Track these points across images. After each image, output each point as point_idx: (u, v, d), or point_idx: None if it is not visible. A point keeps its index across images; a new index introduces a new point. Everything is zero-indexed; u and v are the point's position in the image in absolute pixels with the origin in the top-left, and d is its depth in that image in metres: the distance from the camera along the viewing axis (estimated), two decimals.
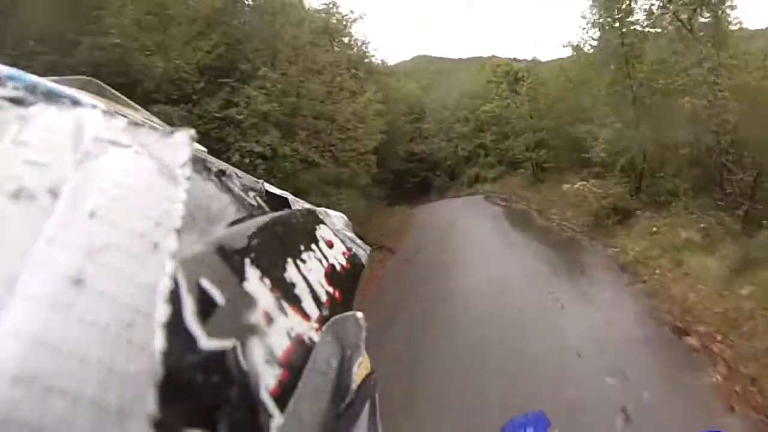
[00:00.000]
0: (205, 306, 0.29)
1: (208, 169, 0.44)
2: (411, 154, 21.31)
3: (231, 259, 0.35)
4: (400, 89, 22.40)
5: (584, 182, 11.43)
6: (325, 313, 0.47)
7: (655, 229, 7.79)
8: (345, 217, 0.82)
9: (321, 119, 9.92)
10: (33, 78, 0.30)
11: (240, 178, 0.51)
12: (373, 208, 12.40)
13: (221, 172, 0.46)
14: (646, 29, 10.19)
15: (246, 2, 10.30)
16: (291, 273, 0.45)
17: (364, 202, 11.43)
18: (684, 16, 9.09)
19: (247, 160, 7.45)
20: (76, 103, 0.30)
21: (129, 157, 0.27)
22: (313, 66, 9.96)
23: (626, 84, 10.25)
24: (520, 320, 5.23)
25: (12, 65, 0.30)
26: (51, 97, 0.29)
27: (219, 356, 0.29)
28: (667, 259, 6.51)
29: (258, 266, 0.38)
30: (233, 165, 0.52)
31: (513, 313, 5.44)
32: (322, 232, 0.63)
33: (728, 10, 9.49)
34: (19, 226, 0.22)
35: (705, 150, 8.64)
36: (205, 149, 0.50)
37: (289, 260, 0.47)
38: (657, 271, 6.36)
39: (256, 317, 0.35)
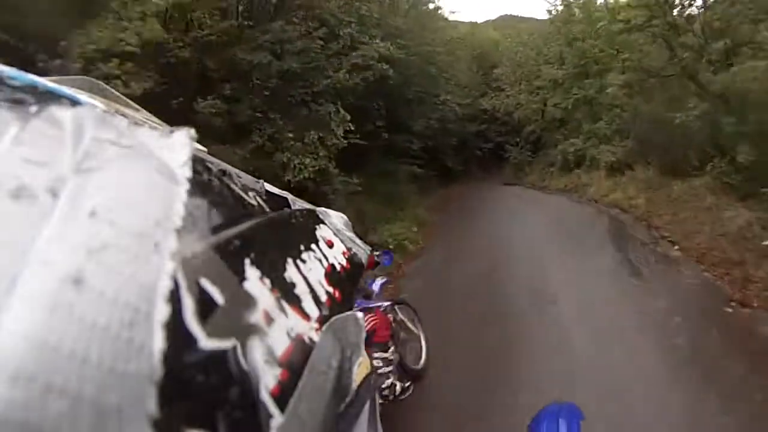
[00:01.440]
0: (205, 306, 0.29)
1: (209, 169, 0.44)
2: (482, 111, 14.71)
3: (231, 259, 0.35)
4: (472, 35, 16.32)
5: None
6: (325, 312, 0.47)
7: None
8: (345, 217, 0.82)
9: None
10: (33, 78, 0.30)
11: (240, 178, 0.51)
12: None
13: (221, 172, 0.46)
14: None
15: None
16: (291, 273, 0.45)
17: None
18: None
19: None
20: (76, 103, 0.30)
21: (129, 156, 0.27)
22: None
23: None
24: None
25: (12, 65, 0.30)
26: (51, 97, 0.29)
27: (219, 356, 0.29)
28: None
29: (258, 266, 0.38)
30: None
31: None
32: (322, 232, 0.63)
33: None
34: (19, 225, 0.22)
35: None
36: (205, 149, 0.50)
37: (290, 260, 0.47)
38: None
39: (256, 317, 0.35)
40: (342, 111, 5.54)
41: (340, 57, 5.90)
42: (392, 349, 1.96)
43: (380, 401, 1.67)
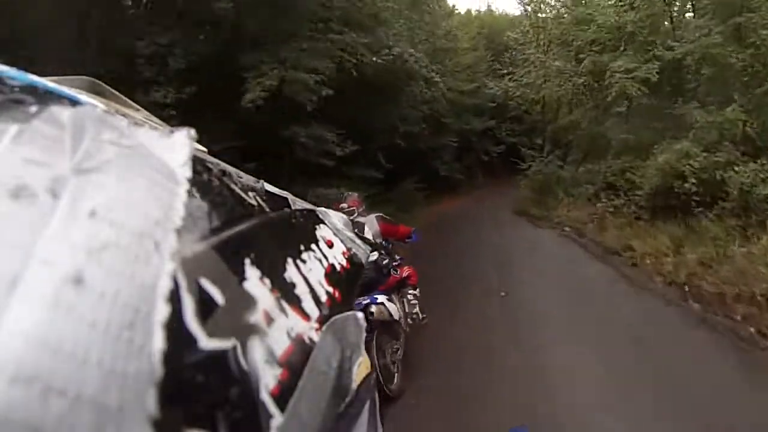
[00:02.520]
0: (205, 306, 0.29)
1: (209, 169, 0.44)
2: (490, 100, 11.08)
3: (231, 259, 0.35)
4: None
5: None
6: (325, 312, 0.47)
7: None
8: (345, 217, 0.82)
9: None
10: (33, 78, 0.30)
11: (240, 178, 0.51)
12: None
13: (221, 172, 0.46)
14: None
15: None
16: (291, 273, 0.45)
17: None
18: None
19: None
20: (76, 103, 0.30)
21: (129, 156, 0.27)
22: None
23: None
24: None
25: (12, 65, 0.30)
26: (51, 97, 0.29)
27: (219, 356, 0.29)
28: None
29: (258, 266, 0.38)
30: None
31: None
32: (322, 232, 0.63)
33: None
34: (19, 225, 0.22)
35: None
36: (205, 149, 0.50)
37: (290, 260, 0.47)
38: None
39: (256, 317, 0.35)
40: None
41: None
42: (418, 289, 2.84)
43: (410, 322, 2.72)
